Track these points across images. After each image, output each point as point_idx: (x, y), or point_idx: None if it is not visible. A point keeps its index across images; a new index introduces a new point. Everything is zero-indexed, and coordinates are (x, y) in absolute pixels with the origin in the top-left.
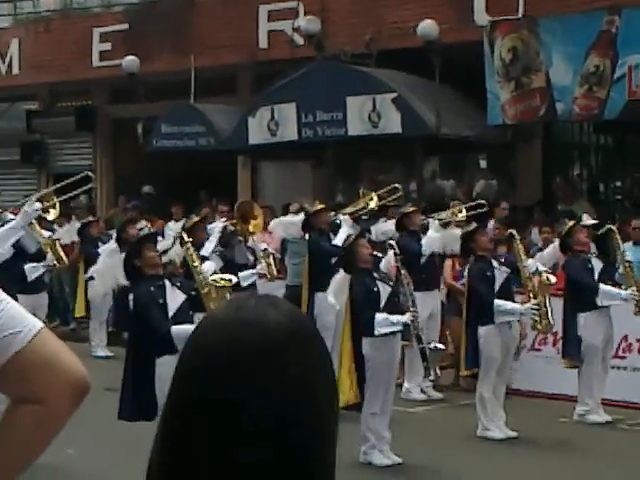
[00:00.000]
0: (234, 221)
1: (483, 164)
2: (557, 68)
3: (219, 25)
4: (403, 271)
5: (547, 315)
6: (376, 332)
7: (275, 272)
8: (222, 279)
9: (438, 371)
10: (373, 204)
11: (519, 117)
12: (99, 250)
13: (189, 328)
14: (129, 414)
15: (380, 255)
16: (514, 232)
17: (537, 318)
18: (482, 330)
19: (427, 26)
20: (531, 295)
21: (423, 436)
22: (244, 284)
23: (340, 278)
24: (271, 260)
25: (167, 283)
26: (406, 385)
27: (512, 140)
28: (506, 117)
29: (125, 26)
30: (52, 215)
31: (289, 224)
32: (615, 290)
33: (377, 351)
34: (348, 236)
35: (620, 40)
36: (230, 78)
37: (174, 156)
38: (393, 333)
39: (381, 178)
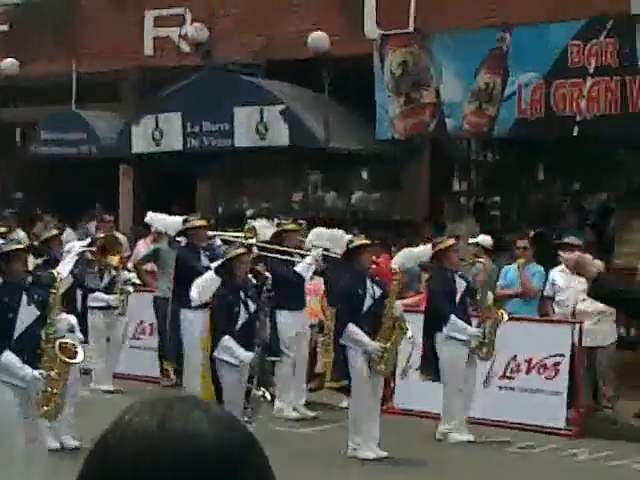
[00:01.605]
0: (93, 249)
1: (364, 175)
2: (447, 84)
3: (103, 29)
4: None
5: (492, 344)
6: (215, 353)
7: (126, 309)
8: (70, 348)
9: (252, 421)
10: (252, 242)
11: (408, 132)
12: None
13: (17, 366)
14: None
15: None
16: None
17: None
18: (439, 337)
19: (317, 37)
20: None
21: (295, 455)
22: (91, 304)
23: (210, 277)
24: (125, 296)
25: (24, 297)
26: (278, 404)
27: (400, 155)
28: (395, 132)
29: (5, 27)
30: None
31: (171, 221)
32: (463, 325)
33: (226, 371)
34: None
35: (511, 58)
36: (113, 84)
37: (54, 163)
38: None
39: (263, 189)
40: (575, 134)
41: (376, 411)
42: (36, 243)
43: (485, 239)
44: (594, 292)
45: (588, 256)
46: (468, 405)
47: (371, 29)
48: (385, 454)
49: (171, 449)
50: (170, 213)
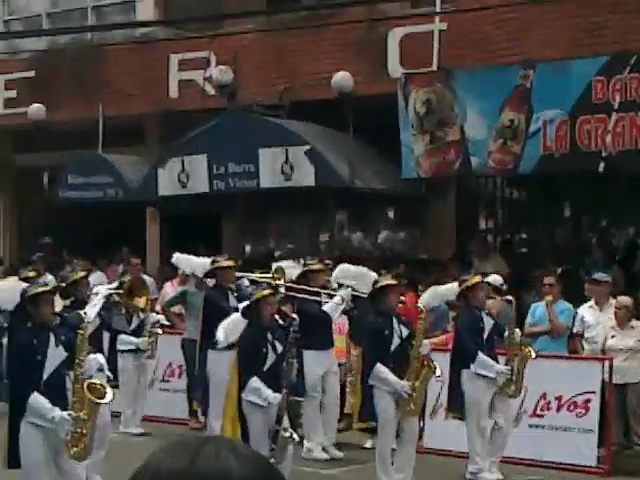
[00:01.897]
0: (120, 291)
1: (390, 214)
2: (472, 122)
3: (128, 73)
4: (293, 349)
5: (520, 381)
6: (243, 395)
7: (155, 352)
8: (98, 388)
9: (279, 462)
10: (280, 282)
11: (434, 170)
12: None
13: (46, 407)
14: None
15: (282, 322)
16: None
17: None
18: (465, 374)
19: (341, 77)
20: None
21: None
22: (120, 347)
23: (237, 318)
24: (154, 339)
25: (52, 338)
26: (307, 444)
27: (426, 194)
28: (420, 170)
29: (31, 73)
30: None
31: (198, 262)
32: (491, 362)
33: (253, 413)
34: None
35: (534, 95)
36: (139, 128)
37: (81, 207)
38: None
39: (289, 230)
40: (601, 170)
41: (412, 452)
42: (63, 285)
43: (495, 278)
44: None
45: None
46: (504, 444)
47: (395, 68)
48: None
49: None
50: (197, 255)
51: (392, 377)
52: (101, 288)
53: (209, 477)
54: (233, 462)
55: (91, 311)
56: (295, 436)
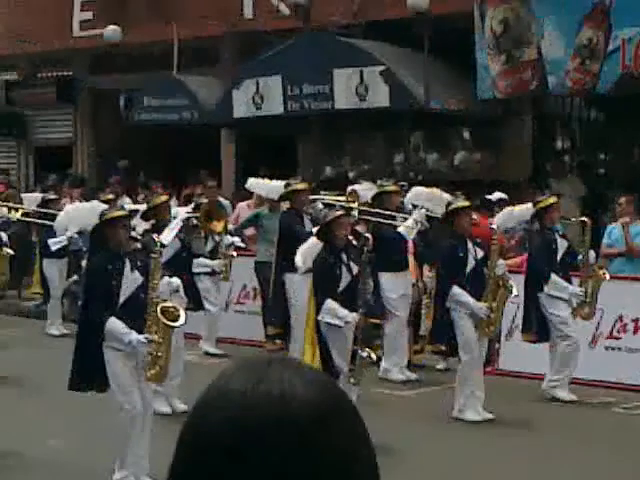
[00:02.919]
0: (197, 214)
1: (466, 135)
2: (549, 40)
3: None
4: (367, 268)
5: (593, 304)
6: (320, 317)
7: (230, 276)
8: (172, 311)
9: (358, 382)
10: (354, 206)
11: (510, 91)
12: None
13: (122, 331)
14: (77, 383)
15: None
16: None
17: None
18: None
19: None
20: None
21: (399, 418)
22: (196, 270)
23: (312, 242)
24: (228, 261)
25: (127, 264)
26: (384, 365)
27: (502, 114)
28: (496, 91)
29: None
30: (18, 214)
31: (271, 186)
32: (564, 284)
33: (331, 333)
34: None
35: (614, 13)
36: (213, 49)
37: (157, 129)
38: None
39: (364, 151)
40: None
41: (480, 373)
42: (146, 208)
43: (497, 195)
44: None
45: None
46: (575, 365)
47: None
48: (491, 416)
49: (263, 411)
50: (258, 176)
51: (469, 299)
52: (180, 211)
53: (273, 399)
54: (298, 385)
55: (169, 235)
56: (373, 355)
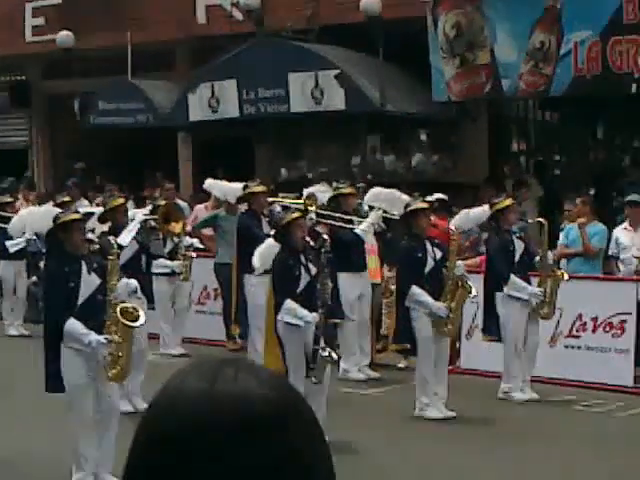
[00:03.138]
0: (155, 216)
1: (423, 138)
2: (502, 44)
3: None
4: (326, 269)
5: (553, 304)
6: (279, 317)
7: (189, 276)
8: (131, 312)
9: (319, 382)
10: (312, 209)
11: (465, 93)
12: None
13: (82, 332)
14: (53, 385)
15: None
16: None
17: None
18: (499, 296)
19: (370, 1)
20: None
21: (360, 416)
22: (156, 271)
23: (271, 244)
24: (188, 262)
25: (84, 266)
26: (343, 365)
27: (457, 117)
28: (451, 93)
29: (59, 0)
30: None
31: (228, 188)
32: (523, 284)
33: (291, 333)
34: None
35: (565, 16)
36: (168, 54)
37: (113, 133)
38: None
39: (322, 155)
40: (634, 91)
41: (444, 372)
42: (102, 210)
43: (436, 196)
44: None
45: None
46: (532, 364)
47: None
48: (453, 414)
49: (220, 410)
50: (216, 178)
51: (428, 299)
52: (137, 213)
53: (228, 398)
54: (252, 384)
55: (127, 236)
56: (334, 355)
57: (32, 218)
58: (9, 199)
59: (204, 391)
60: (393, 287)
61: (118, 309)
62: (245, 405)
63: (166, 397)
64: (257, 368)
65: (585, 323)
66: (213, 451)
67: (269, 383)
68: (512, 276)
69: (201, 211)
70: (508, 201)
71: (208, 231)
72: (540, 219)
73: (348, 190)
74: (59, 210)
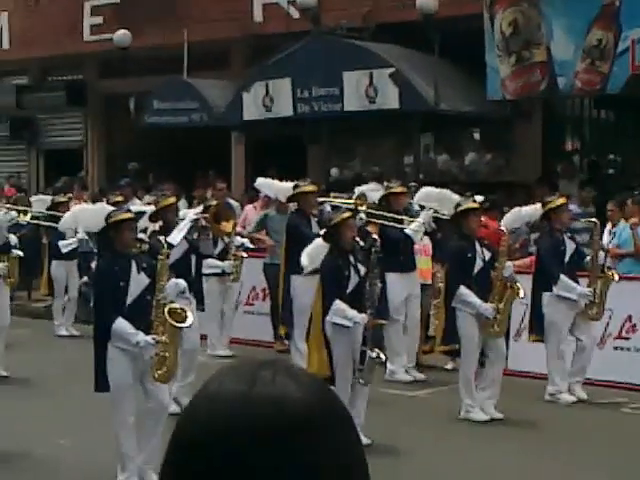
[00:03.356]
0: (206, 216)
1: (476, 136)
2: (558, 42)
3: None
4: (376, 270)
5: (602, 304)
6: (328, 318)
7: (240, 275)
8: (179, 312)
9: (367, 383)
10: (362, 209)
11: (520, 92)
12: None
13: (130, 332)
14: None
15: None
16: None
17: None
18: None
19: None
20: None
21: (407, 418)
22: (206, 271)
23: (319, 244)
24: (239, 262)
25: (133, 265)
26: (390, 366)
27: (511, 115)
28: (506, 92)
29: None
30: (27, 217)
31: (279, 187)
32: (573, 284)
33: (339, 334)
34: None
35: (623, 13)
36: (224, 52)
37: (167, 132)
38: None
39: (375, 154)
40: None
41: (500, 372)
42: (153, 209)
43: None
44: None
45: None
46: (586, 366)
47: None
48: (500, 415)
49: (258, 413)
50: (267, 177)
51: (475, 299)
52: (188, 213)
53: (266, 401)
54: (291, 387)
55: (177, 236)
56: (382, 356)
57: (84, 215)
58: (63, 199)
59: (242, 394)
60: (441, 284)
61: (166, 309)
62: (283, 408)
63: (203, 400)
64: (295, 370)
65: (635, 325)
66: (250, 455)
67: (307, 386)
68: (562, 276)
69: (251, 211)
70: (560, 200)
71: (260, 233)
72: (593, 219)
73: (399, 189)
74: (111, 208)
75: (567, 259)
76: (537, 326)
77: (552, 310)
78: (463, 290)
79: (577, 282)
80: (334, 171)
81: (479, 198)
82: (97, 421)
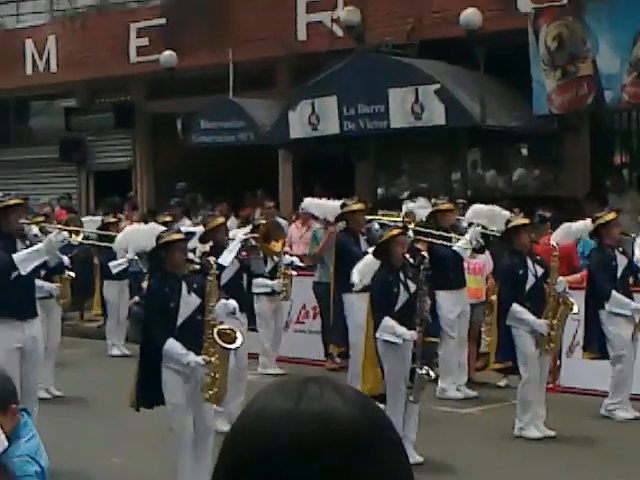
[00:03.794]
0: (256, 235)
1: (524, 152)
2: (604, 55)
3: (257, 18)
4: (425, 287)
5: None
6: (378, 334)
7: (290, 295)
8: (229, 333)
9: (417, 400)
10: (411, 226)
11: (566, 106)
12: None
13: (181, 352)
14: (139, 403)
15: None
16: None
17: None
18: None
19: (470, 15)
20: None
21: (459, 436)
22: (256, 291)
23: (370, 260)
24: (288, 281)
25: (184, 286)
26: (441, 384)
27: (559, 130)
28: (552, 106)
29: (162, 20)
30: (79, 238)
31: (328, 207)
32: (626, 300)
33: (389, 351)
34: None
35: None
36: (269, 71)
37: (214, 152)
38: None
39: (422, 171)
40: None
41: (543, 390)
42: (203, 230)
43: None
44: None
45: None
46: (630, 382)
47: (524, 3)
48: (552, 433)
49: (305, 429)
50: (313, 195)
51: (529, 316)
52: (238, 233)
53: (313, 417)
54: (338, 402)
55: (228, 257)
56: (432, 374)
57: (135, 235)
58: (113, 219)
59: (289, 410)
60: (493, 297)
61: (215, 330)
62: (329, 424)
63: (248, 418)
64: (341, 386)
65: None
66: (295, 472)
67: (353, 401)
68: (613, 292)
69: (294, 230)
70: (610, 215)
71: (304, 249)
72: (633, 234)
73: (446, 206)
74: (163, 228)
75: (620, 274)
76: (592, 343)
77: (613, 327)
78: (517, 307)
79: (631, 297)
80: (385, 189)
81: (547, 214)
82: (150, 440)
